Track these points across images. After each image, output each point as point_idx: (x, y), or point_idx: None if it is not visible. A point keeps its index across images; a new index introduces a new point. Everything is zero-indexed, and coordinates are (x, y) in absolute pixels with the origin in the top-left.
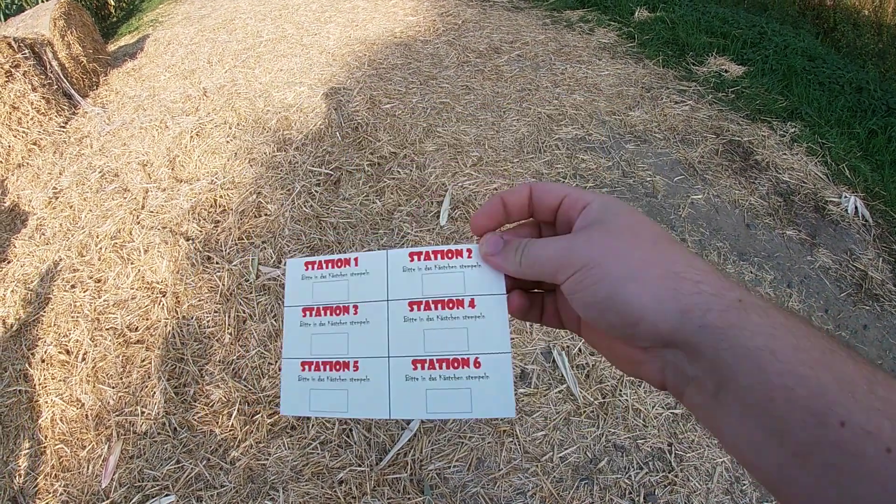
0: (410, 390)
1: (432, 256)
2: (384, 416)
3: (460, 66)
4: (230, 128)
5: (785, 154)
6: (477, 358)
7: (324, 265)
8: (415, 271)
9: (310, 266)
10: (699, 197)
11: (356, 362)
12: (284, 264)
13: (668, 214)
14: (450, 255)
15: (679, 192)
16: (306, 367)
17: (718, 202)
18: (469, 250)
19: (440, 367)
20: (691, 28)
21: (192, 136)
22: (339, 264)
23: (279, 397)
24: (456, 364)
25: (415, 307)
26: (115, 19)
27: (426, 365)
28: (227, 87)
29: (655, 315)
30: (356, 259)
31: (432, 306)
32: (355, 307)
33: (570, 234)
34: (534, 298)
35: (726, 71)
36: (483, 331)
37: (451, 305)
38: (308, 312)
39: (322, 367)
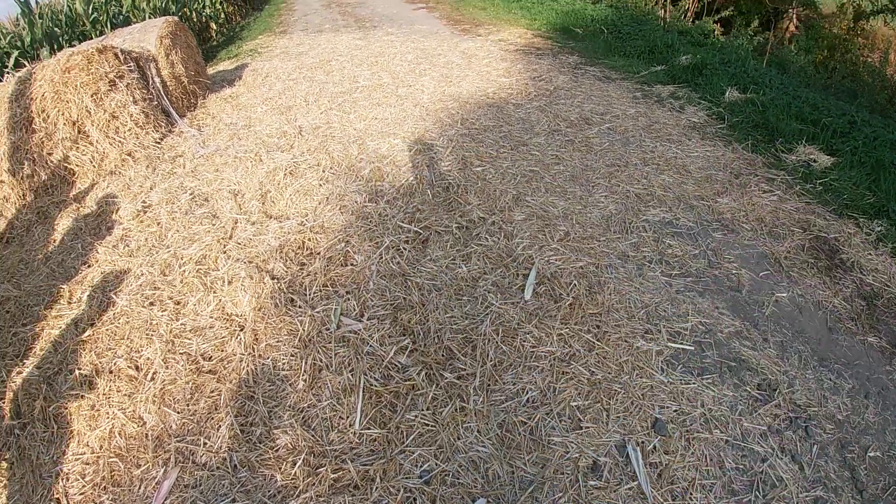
0: None
1: None
2: None
3: (551, 133)
4: (323, 170)
5: (870, 254)
6: None
7: None
8: None
9: None
10: (784, 295)
11: None
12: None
13: (751, 311)
14: None
15: (764, 288)
16: None
17: (802, 302)
18: None
19: None
20: (781, 113)
21: (285, 174)
22: None
23: (346, 452)
24: None
25: None
26: (214, 43)
27: None
28: (322, 128)
29: None
30: None
31: None
32: None
33: None
34: None
35: (815, 161)
36: None
37: None
38: None
39: None
